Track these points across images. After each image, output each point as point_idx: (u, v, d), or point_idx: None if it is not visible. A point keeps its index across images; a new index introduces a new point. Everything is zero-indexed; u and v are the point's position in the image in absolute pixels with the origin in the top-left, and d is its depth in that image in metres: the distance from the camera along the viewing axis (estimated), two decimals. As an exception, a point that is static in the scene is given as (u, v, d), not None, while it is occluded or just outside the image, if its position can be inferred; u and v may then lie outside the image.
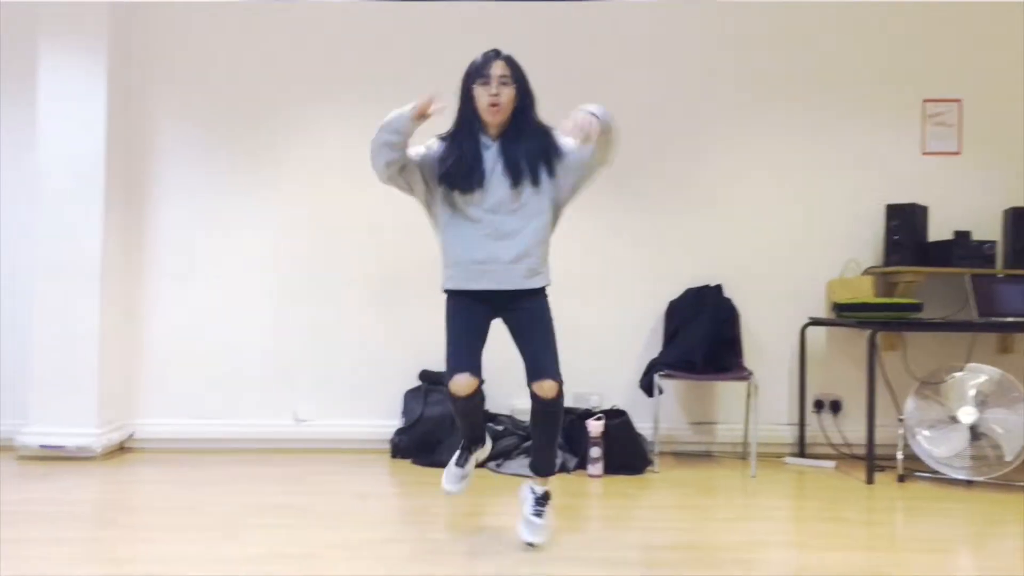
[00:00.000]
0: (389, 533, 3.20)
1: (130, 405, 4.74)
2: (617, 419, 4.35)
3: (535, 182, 2.91)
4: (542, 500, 3.10)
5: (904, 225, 4.66)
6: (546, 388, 2.94)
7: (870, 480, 4.13)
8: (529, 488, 3.13)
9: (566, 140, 2.92)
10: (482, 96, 2.87)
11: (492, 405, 4.75)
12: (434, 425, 4.47)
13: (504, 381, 4.75)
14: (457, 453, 3.24)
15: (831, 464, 4.53)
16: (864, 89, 4.92)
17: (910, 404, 4.24)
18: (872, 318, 4.35)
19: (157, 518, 3.35)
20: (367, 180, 4.91)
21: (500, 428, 4.50)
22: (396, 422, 4.67)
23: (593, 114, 2.76)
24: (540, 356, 2.97)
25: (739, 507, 3.69)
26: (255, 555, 2.88)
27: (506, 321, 3.06)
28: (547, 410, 2.99)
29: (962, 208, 4.85)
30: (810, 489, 4.05)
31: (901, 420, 4.23)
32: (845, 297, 4.59)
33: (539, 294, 3.04)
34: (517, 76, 2.90)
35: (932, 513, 3.61)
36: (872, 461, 4.15)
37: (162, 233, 4.81)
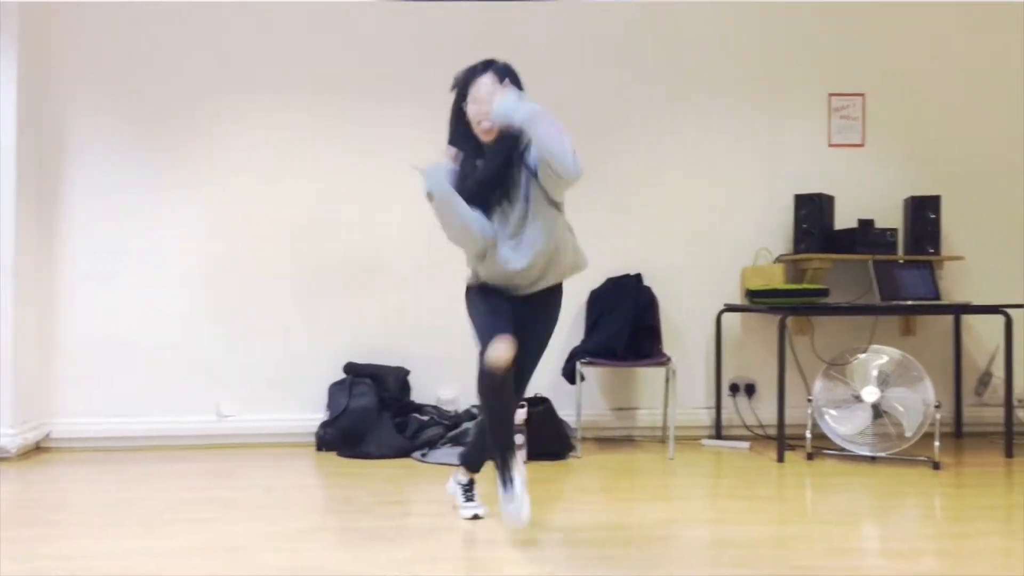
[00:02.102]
0: (313, 523, 3.22)
1: (47, 404, 4.62)
2: (540, 406, 4.44)
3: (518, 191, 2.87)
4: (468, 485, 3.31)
5: (812, 214, 4.87)
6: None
7: (781, 459, 4.31)
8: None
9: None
10: (473, 117, 2.81)
11: (418, 395, 4.81)
12: (359, 417, 4.49)
13: (429, 371, 4.84)
14: (498, 475, 2.91)
15: (745, 445, 4.71)
16: (773, 84, 5.12)
17: (818, 385, 4.44)
18: (782, 303, 4.54)
19: (75, 516, 3.30)
20: (286, 175, 4.94)
21: (425, 418, 4.55)
22: (321, 415, 4.67)
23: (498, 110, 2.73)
24: (526, 364, 3.00)
25: (658, 488, 3.82)
26: (178, 548, 2.87)
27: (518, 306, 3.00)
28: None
29: (866, 197, 5.09)
30: (725, 469, 4.21)
31: (810, 401, 4.43)
32: (757, 284, 4.77)
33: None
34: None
35: (838, 488, 3.80)
36: (783, 441, 4.34)
37: (78, 231, 4.70)
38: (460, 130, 2.88)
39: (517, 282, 2.95)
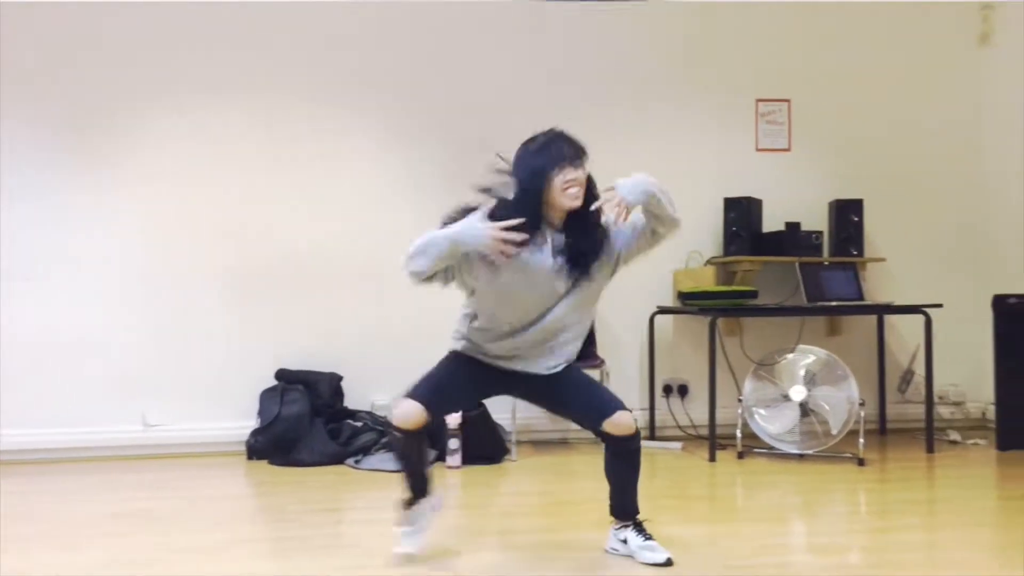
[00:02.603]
0: (242, 533, 3.15)
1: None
2: (475, 411, 4.42)
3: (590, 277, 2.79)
4: (641, 527, 2.81)
5: (740, 217, 4.96)
6: (622, 423, 2.69)
7: (712, 458, 4.37)
8: (618, 531, 2.83)
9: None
10: (558, 183, 2.63)
11: (351, 402, 4.75)
12: (291, 424, 4.41)
13: (363, 376, 4.78)
14: (401, 508, 2.81)
15: (678, 445, 4.77)
16: (702, 88, 5.20)
17: (748, 385, 4.52)
18: (713, 305, 4.61)
19: (16, 530, 3.17)
20: (217, 178, 4.84)
21: (359, 424, 4.50)
22: (252, 423, 4.57)
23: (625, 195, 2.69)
24: (595, 396, 2.81)
25: (592, 489, 3.82)
26: (96, 562, 2.77)
27: (529, 395, 2.92)
28: (629, 448, 2.75)
29: (792, 201, 5.20)
30: (658, 469, 4.26)
31: (740, 401, 4.50)
32: (689, 286, 4.83)
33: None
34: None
35: (767, 485, 3.87)
36: (714, 441, 4.40)
37: (5, 235, 4.52)
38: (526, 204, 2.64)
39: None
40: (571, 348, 2.86)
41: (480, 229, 2.55)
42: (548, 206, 2.65)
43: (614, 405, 2.71)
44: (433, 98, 4.94)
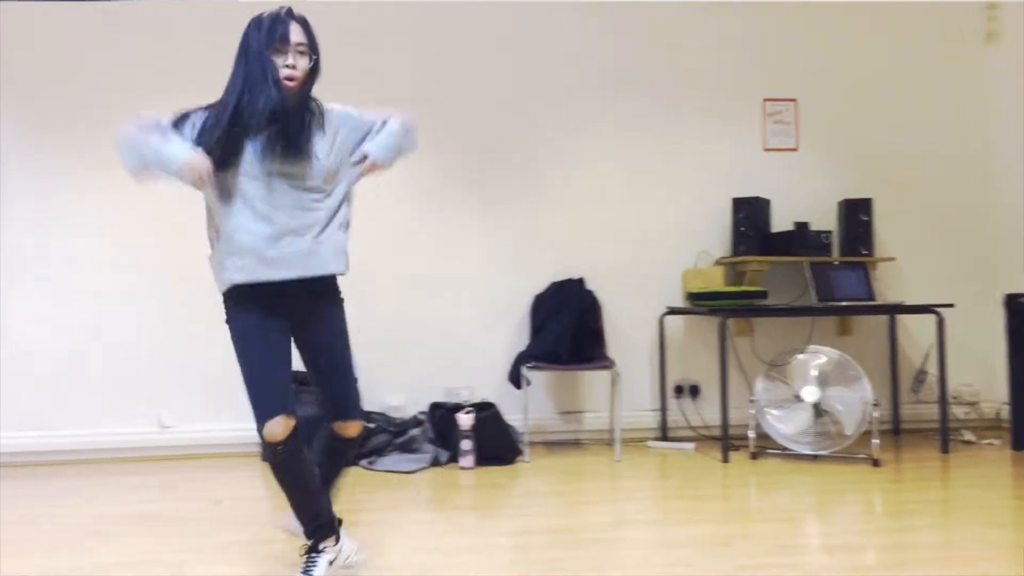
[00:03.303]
0: (257, 535, 3.17)
1: (-25, 420, 4.47)
2: (487, 412, 4.43)
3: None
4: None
5: (749, 217, 4.96)
6: (354, 428, 2.59)
7: (725, 459, 4.37)
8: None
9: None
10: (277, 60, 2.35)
11: (365, 403, 4.75)
12: (303, 425, 4.41)
13: (376, 378, 4.79)
14: (303, 556, 2.54)
15: (691, 446, 4.77)
16: (709, 88, 5.20)
17: (759, 386, 4.52)
18: (722, 306, 4.61)
19: (7, 533, 3.19)
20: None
21: (372, 426, 4.51)
22: (265, 425, 4.58)
23: (376, 156, 2.45)
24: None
25: (605, 490, 3.85)
26: (116, 563, 2.79)
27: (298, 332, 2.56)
28: (352, 447, 2.64)
29: (801, 200, 5.21)
30: (671, 470, 4.26)
31: (753, 401, 4.50)
32: (698, 286, 4.84)
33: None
34: (313, 44, 2.42)
35: (781, 486, 3.87)
36: (727, 441, 4.40)
37: (7, 237, 4.56)
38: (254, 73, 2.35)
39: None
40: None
41: (178, 159, 2.24)
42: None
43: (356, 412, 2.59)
44: (440, 104, 4.96)
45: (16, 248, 4.56)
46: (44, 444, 4.49)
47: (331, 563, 2.56)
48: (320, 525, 2.53)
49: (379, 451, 4.40)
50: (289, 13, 2.40)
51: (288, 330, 2.50)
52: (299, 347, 2.54)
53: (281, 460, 2.42)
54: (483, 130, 4.97)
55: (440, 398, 4.77)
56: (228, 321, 2.49)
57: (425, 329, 4.87)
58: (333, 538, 2.56)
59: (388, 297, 4.85)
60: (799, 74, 5.28)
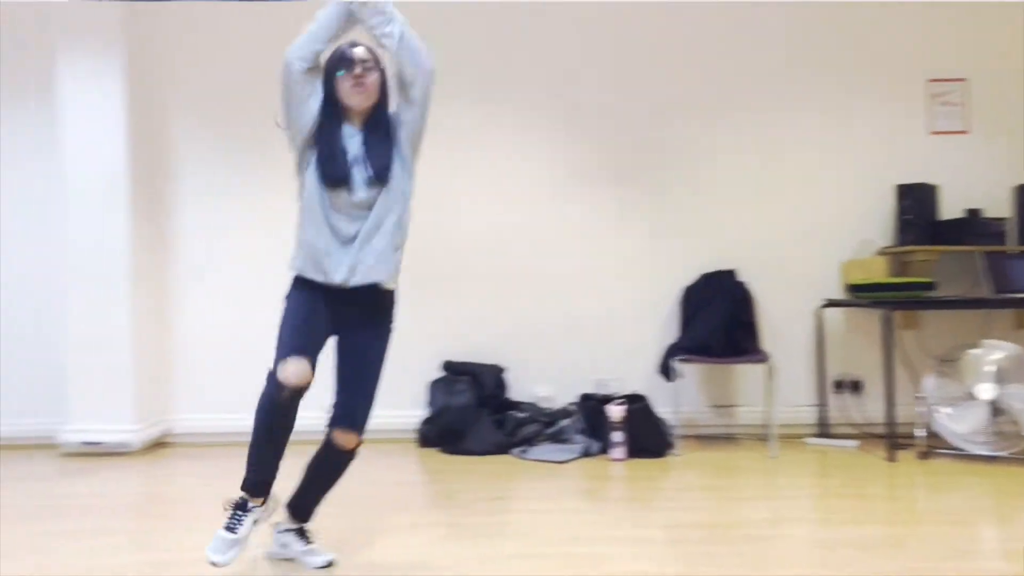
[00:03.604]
0: (422, 517, 3.29)
1: (165, 402, 4.85)
2: (637, 404, 4.42)
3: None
4: (303, 533, 2.83)
5: (915, 205, 4.70)
6: (351, 440, 2.70)
7: (892, 458, 4.18)
8: (281, 534, 2.84)
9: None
10: (344, 81, 2.58)
11: (514, 393, 4.84)
12: (459, 414, 4.56)
13: (525, 369, 4.87)
14: (228, 511, 2.60)
15: (853, 444, 4.58)
16: (869, 70, 4.96)
17: (930, 382, 4.28)
18: (886, 298, 4.40)
19: (194, 509, 3.45)
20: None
21: (523, 415, 4.59)
22: (422, 412, 4.75)
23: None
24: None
25: (761, 486, 3.76)
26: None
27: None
28: (345, 460, 2.75)
29: (972, 186, 4.89)
30: (831, 468, 4.11)
31: (921, 398, 4.28)
32: (859, 278, 4.64)
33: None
34: (380, 63, 2.64)
35: (953, 488, 3.66)
36: (894, 439, 4.20)
37: (185, 234, 4.91)
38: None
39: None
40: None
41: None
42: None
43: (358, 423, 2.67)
44: (605, 95, 4.96)
45: (191, 245, 4.90)
46: (221, 426, 4.79)
47: (255, 522, 2.61)
48: (260, 482, 2.60)
49: (530, 440, 4.47)
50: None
51: (330, 324, 2.64)
52: (336, 348, 2.70)
53: (278, 405, 2.52)
54: (636, 122, 4.94)
55: (589, 389, 4.80)
56: (285, 297, 2.66)
57: (574, 321, 4.90)
58: (262, 500, 2.61)
59: (538, 289, 4.91)
60: (969, 52, 4.96)
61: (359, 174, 2.57)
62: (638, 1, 4.96)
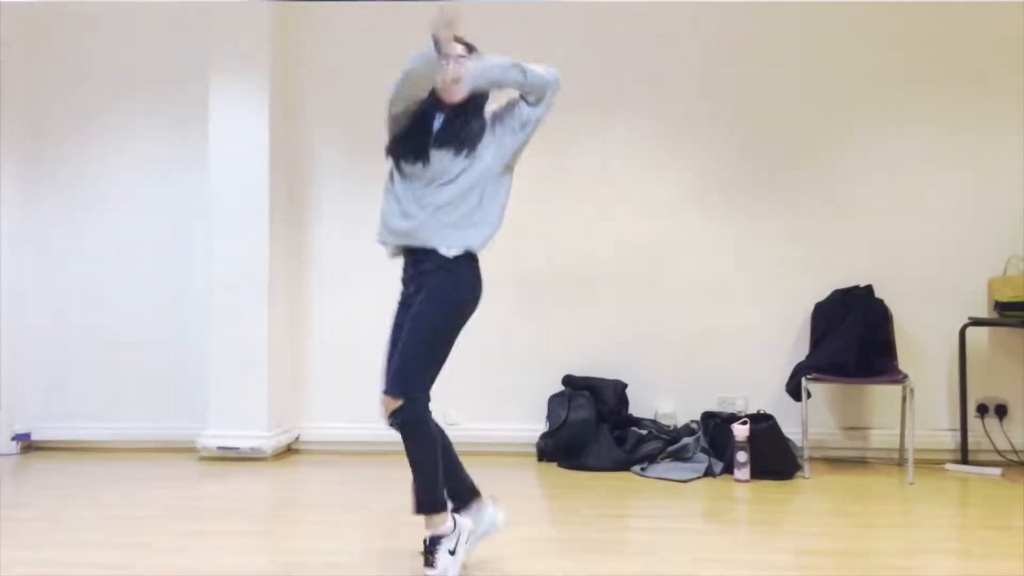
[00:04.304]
0: (541, 532, 3.29)
1: (297, 409, 5.03)
2: (764, 423, 4.29)
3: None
4: (430, 548, 2.66)
5: (1073, 218, 4.39)
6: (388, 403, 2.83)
7: (1041, 488, 3.91)
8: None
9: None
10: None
11: (635, 409, 4.79)
12: (578, 429, 4.54)
13: (646, 385, 4.81)
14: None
15: (997, 471, 4.30)
16: (1016, 74, 4.66)
17: (1085, 408, 3.98)
18: (1039, 317, 4.12)
19: (323, 515, 3.58)
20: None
21: (644, 432, 4.53)
22: (540, 426, 4.76)
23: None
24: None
25: (897, 514, 3.58)
26: (417, 551, 3.02)
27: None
28: (394, 427, 2.82)
29: None
30: (974, 497, 3.87)
31: (1075, 425, 3.98)
32: (1008, 295, 4.37)
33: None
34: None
35: (1113, 523, 3.39)
36: (1043, 468, 3.93)
37: (321, 244, 5.09)
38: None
39: None
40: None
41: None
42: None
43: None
44: (725, 105, 4.87)
45: (326, 255, 5.07)
46: (350, 435, 4.93)
47: (452, 552, 2.64)
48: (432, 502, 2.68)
49: (651, 458, 4.40)
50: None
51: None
52: None
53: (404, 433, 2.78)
54: (766, 133, 4.82)
55: (712, 407, 4.69)
56: (451, 302, 3.00)
57: (698, 336, 4.81)
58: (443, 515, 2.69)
59: (661, 303, 4.84)
60: None
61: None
62: (771, 27, 4.84)
